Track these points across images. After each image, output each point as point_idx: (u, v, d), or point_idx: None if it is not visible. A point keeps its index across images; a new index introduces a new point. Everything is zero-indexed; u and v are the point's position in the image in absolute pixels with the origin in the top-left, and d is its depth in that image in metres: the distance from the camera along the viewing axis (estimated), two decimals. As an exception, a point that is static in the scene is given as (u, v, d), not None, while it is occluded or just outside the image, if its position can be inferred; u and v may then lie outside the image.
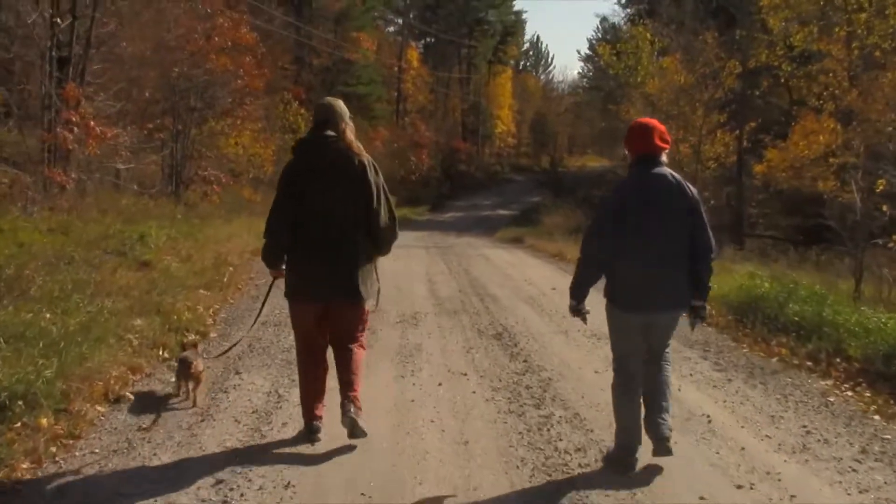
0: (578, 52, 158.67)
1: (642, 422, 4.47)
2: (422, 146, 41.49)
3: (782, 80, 28.82)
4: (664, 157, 4.32)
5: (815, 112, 26.23)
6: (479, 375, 6.39)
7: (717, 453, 4.81)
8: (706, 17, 30.13)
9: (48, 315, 6.56)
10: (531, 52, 75.29)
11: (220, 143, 25.60)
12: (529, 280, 11.84)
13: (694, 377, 6.59)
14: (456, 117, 54.60)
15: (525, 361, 6.88)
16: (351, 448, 4.65)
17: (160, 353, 6.53)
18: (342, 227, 4.54)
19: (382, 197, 4.62)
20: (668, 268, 4.25)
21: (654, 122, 4.42)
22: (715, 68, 25.37)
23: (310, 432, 4.75)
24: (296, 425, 5.00)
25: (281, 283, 4.84)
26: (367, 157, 4.61)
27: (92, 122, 14.94)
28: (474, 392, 5.91)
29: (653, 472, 4.46)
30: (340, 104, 4.72)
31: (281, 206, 4.59)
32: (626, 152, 4.46)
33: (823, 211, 25.18)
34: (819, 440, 5.12)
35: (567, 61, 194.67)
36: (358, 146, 4.63)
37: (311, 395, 4.78)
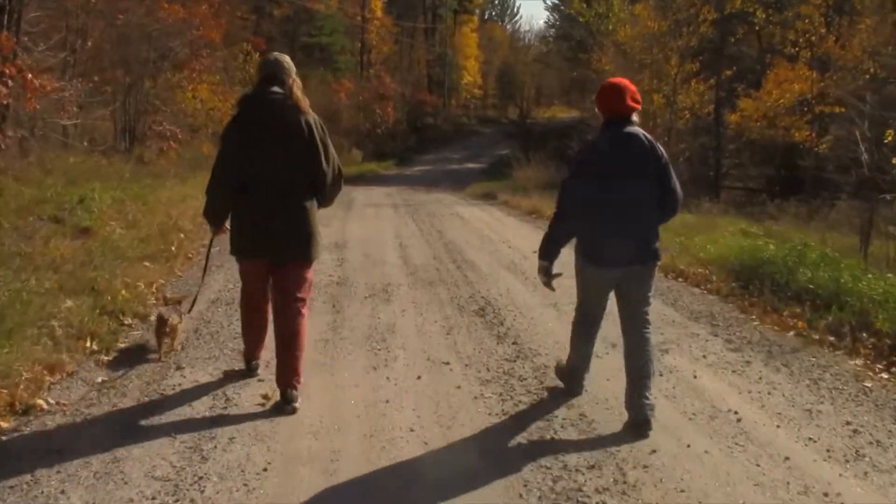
0: (545, 0, 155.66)
1: (624, 396, 4.40)
2: (387, 98, 40.03)
3: (756, 28, 27.92)
4: (636, 117, 4.30)
5: (789, 60, 25.45)
6: (464, 364, 5.44)
7: (758, 466, 3.93)
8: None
9: (-45, 299, 5.50)
10: (496, 2, 73.56)
11: (177, 96, 24.19)
12: (508, 242, 10.86)
13: (708, 359, 5.70)
14: (421, 69, 53.00)
15: (515, 344, 5.94)
16: (315, 473, 3.71)
17: (88, 344, 5.45)
18: (287, 185, 4.43)
19: (331, 154, 4.51)
20: (639, 223, 4.28)
21: (626, 81, 4.36)
22: (689, 15, 24.36)
23: (249, 370, 5.01)
24: (244, 441, 4.04)
25: (223, 243, 4.80)
26: (312, 116, 4.46)
27: (30, 75, 13.60)
28: (459, 387, 4.97)
29: (693, 494, 3.59)
30: (287, 59, 4.56)
31: (224, 162, 4.47)
32: (598, 111, 4.41)
33: (801, 162, 24.68)
34: (871, 443, 4.28)
35: (533, 11, 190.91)
36: (305, 103, 4.45)
37: (253, 343, 4.98)
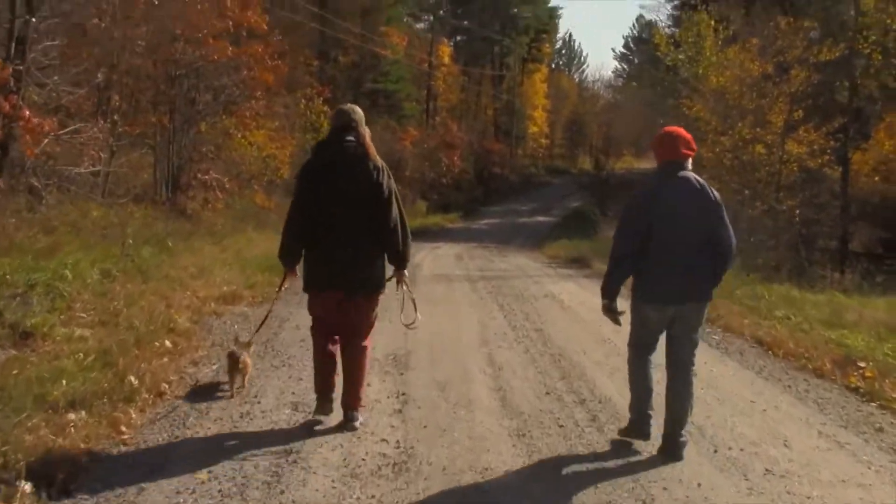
0: (613, 50, 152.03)
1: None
2: (453, 147, 36.98)
3: (871, 71, 23.96)
4: (689, 164, 4.37)
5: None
6: None
7: None
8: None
9: None
10: (564, 51, 70.37)
11: (228, 142, 21.36)
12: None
13: None
14: (488, 117, 50.05)
15: None
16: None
17: None
18: (357, 226, 4.54)
19: (394, 202, 4.59)
20: (691, 264, 4.28)
21: (681, 130, 4.46)
22: (797, 56, 20.72)
23: (322, 406, 4.78)
24: None
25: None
26: (382, 163, 4.61)
27: (27, 112, 10.67)
28: None
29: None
30: (359, 110, 4.75)
31: (299, 205, 4.64)
32: (654, 157, 4.46)
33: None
34: None
35: (601, 60, 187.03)
36: (373, 151, 4.63)
37: (326, 378, 4.78)
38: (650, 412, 4.47)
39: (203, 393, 5.30)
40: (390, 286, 4.85)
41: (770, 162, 20.80)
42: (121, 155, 17.63)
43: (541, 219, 32.47)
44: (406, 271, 4.87)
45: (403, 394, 5.47)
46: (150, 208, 16.72)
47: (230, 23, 17.86)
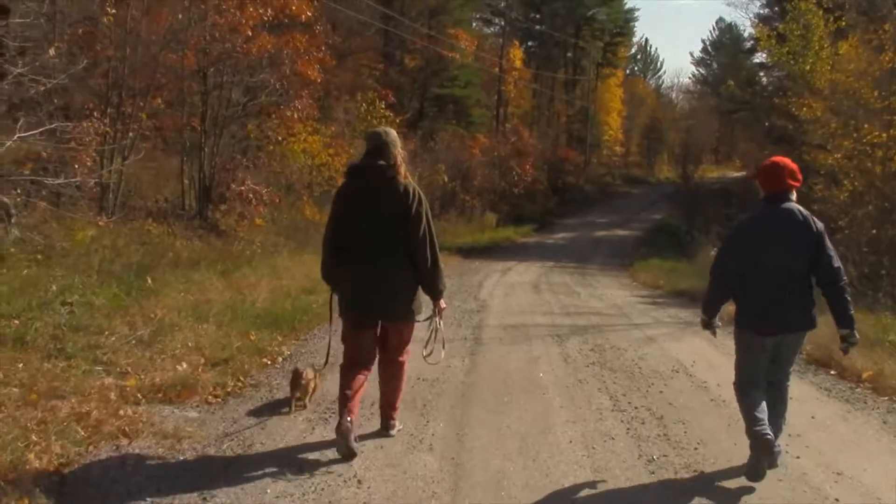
0: (691, 54, 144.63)
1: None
2: (526, 155, 33.33)
3: None
4: (793, 194, 4.25)
5: None
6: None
7: None
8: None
9: None
10: (639, 56, 65.78)
11: (268, 148, 18.30)
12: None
13: None
14: (561, 124, 46.18)
15: None
16: None
17: None
18: (385, 250, 4.39)
19: (423, 226, 4.41)
20: (792, 294, 4.15)
21: (787, 161, 4.34)
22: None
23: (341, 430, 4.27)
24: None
25: None
26: (413, 186, 4.46)
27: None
28: None
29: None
30: (393, 133, 4.65)
31: (333, 225, 4.55)
32: (759, 187, 4.35)
33: None
34: None
35: (679, 65, 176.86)
36: (406, 174, 4.49)
37: (349, 399, 4.38)
38: (769, 435, 4.04)
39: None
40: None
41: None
42: (142, 163, 14.68)
43: (621, 232, 28.61)
44: (443, 301, 4.68)
45: None
46: (174, 225, 13.75)
47: (269, 10, 14.80)
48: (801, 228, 4.13)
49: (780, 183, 4.19)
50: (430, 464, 4.10)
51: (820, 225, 4.18)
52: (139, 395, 4.71)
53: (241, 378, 5.42)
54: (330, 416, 4.73)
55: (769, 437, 4.00)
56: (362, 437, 4.35)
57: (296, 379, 5.01)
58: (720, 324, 4.44)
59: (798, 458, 4.34)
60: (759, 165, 4.44)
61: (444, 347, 4.78)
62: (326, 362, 4.91)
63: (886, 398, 5.61)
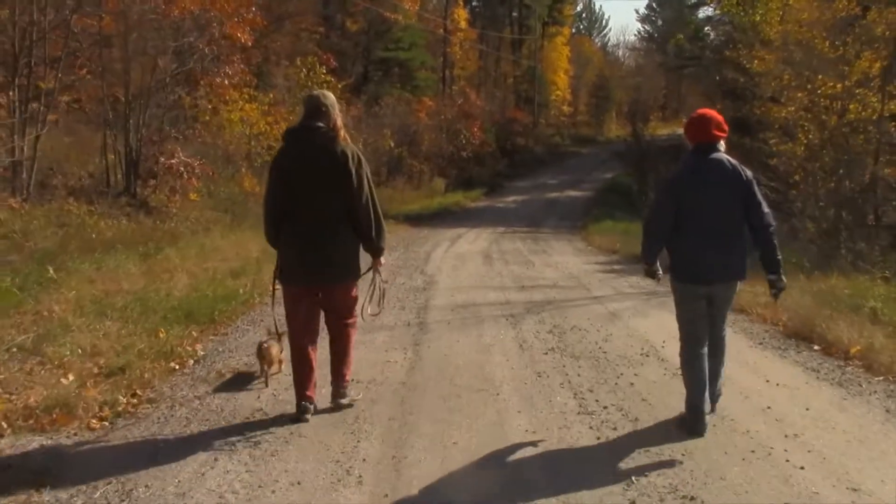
0: (637, 11, 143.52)
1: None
2: (473, 117, 32.41)
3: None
4: (721, 145, 4.30)
5: None
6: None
7: None
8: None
9: None
10: (584, 14, 64.87)
11: (200, 117, 17.11)
12: None
13: None
14: (508, 85, 45.23)
15: None
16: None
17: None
18: (325, 214, 4.33)
19: (365, 188, 4.36)
20: (723, 243, 4.21)
21: (713, 112, 4.40)
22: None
23: (299, 412, 4.39)
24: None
25: None
26: (351, 148, 4.41)
27: None
28: None
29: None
30: (331, 95, 4.50)
31: (272, 192, 4.42)
32: (686, 139, 4.40)
33: None
34: None
35: (624, 22, 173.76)
36: (345, 137, 4.45)
37: (303, 377, 4.43)
38: (704, 408, 4.22)
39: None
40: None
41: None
42: (61, 136, 13.47)
43: (573, 193, 28.04)
44: (382, 259, 4.65)
45: None
46: (98, 203, 12.64)
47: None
48: (730, 177, 4.18)
49: (707, 133, 4.24)
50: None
51: (749, 173, 4.24)
52: (3, 423, 3.81)
53: (139, 392, 4.53)
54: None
55: (703, 414, 4.17)
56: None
57: (262, 352, 5.02)
58: (661, 271, 4.48)
59: (802, 468, 3.61)
60: (687, 119, 4.50)
61: (382, 298, 4.72)
62: (277, 330, 4.98)
63: (881, 378, 4.97)
